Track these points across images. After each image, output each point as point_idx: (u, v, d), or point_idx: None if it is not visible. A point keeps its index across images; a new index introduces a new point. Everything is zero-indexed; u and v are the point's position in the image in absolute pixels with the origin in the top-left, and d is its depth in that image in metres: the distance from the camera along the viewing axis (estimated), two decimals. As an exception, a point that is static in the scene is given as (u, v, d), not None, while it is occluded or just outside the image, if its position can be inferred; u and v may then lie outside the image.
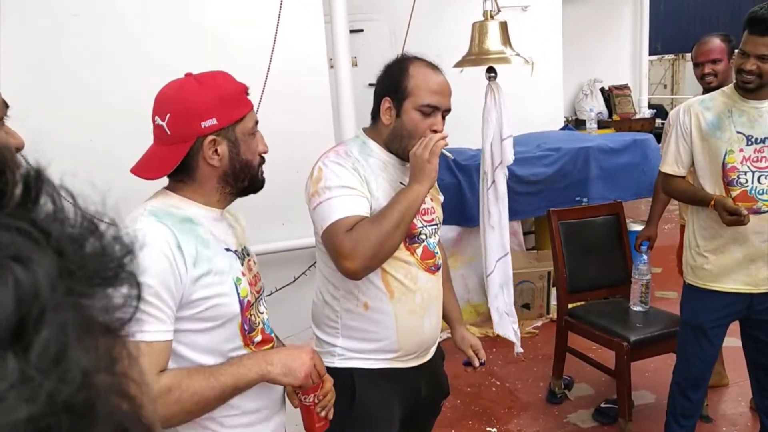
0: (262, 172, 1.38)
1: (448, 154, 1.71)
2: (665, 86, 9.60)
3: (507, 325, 2.74)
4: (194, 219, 1.27)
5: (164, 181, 1.34)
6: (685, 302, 2.49)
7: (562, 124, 5.15)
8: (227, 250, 1.32)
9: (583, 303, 3.33)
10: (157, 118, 1.26)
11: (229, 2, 2.34)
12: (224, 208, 1.37)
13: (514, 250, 4.26)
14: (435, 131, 1.65)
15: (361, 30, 4.30)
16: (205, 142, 1.25)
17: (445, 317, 1.97)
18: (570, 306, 3.24)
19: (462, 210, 3.91)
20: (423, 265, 1.73)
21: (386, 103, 1.68)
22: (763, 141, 2.20)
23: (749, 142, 2.21)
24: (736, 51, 2.22)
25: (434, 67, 1.70)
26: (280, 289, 2.41)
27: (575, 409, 3.18)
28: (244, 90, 1.32)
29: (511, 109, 2.72)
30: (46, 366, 0.27)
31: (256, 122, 1.35)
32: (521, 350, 2.79)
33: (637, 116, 6.51)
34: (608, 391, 3.22)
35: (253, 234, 2.04)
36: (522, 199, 3.98)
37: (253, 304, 1.35)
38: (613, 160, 4.29)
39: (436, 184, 1.89)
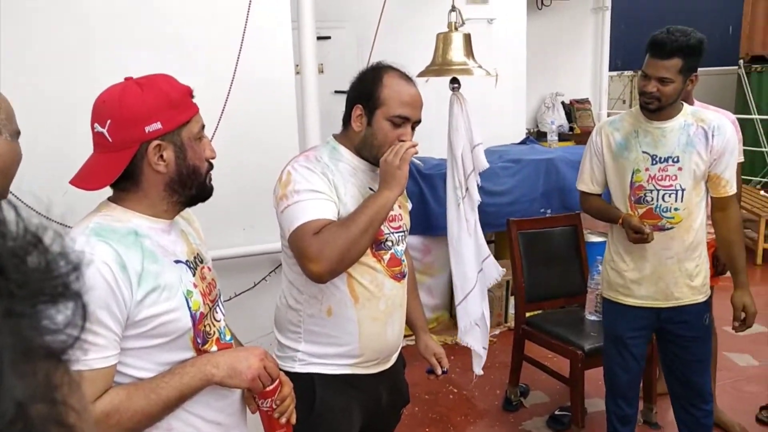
0: (210, 179, 1.33)
1: (418, 162, 1.73)
2: (624, 101, 9.83)
3: (477, 336, 2.75)
4: (139, 231, 1.21)
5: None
6: (604, 314, 2.59)
7: (524, 136, 5.24)
8: (177, 262, 1.26)
9: (540, 312, 3.39)
10: (96, 125, 1.20)
11: (196, 5, 2.33)
12: (172, 219, 1.31)
13: (474, 259, 4.32)
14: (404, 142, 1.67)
15: (329, 37, 4.32)
16: (150, 147, 1.20)
17: (410, 324, 1.98)
18: (528, 315, 3.30)
19: (426, 219, 3.93)
20: (389, 272, 1.75)
21: (358, 110, 1.69)
22: (666, 160, 2.29)
23: (654, 161, 2.30)
24: (640, 73, 2.30)
25: (408, 78, 1.72)
26: (239, 294, 2.40)
27: (530, 417, 3.23)
28: (188, 92, 1.27)
29: (475, 121, 2.75)
30: None
31: (203, 127, 1.30)
32: (481, 372, 2.78)
33: (597, 130, 6.65)
34: (563, 398, 3.29)
35: (213, 239, 2.03)
36: (488, 210, 4.02)
37: (207, 315, 1.30)
38: (573, 173, 4.37)
39: (405, 193, 1.92)
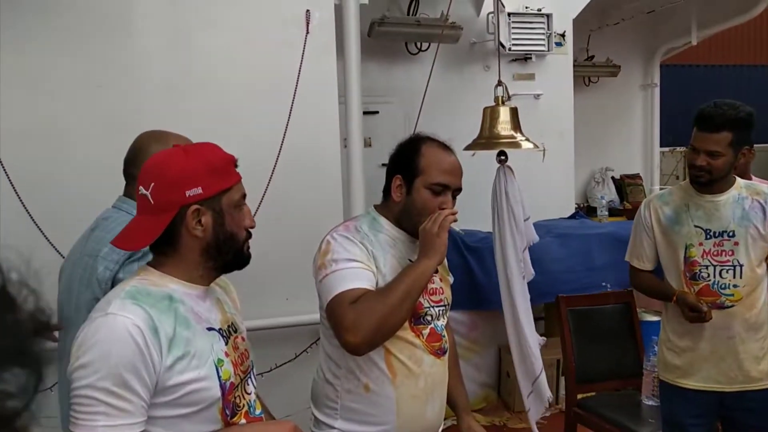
0: (248, 247, 1.33)
1: (458, 231, 1.70)
2: (677, 177, 9.68)
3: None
4: (174, 296, 1.21)
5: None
6: (661, 400, 2.44)
7: (572, 211, 5.15)
8: (210, 329, 1.25)
9: (593, 394, 3.23)
10: (141, 188, 1.23)
11: (246, 78, 2.41)
12: (208, 285, 1.31)
13: (523, 336, 4.18)
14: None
15: (377, 112, 4.41)
16: (189, 211, 1.21)
17: (452, 404, 1.89)
18: (579, 396, 3.14)
19: (474, 293, 3.84)
20: (429, 348, 1.68)
21: (397, 180, 1.69)
22: (721, 234, 2.20)
23: (708, 236, 2.22)
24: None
25: (446, 148, 1.72)
26: (281, 365, 2.36)
27: (584, 508, 3.02)
28: (232, 161, 1.29)
29: (523, 194, 2.75)
30: None
31: (244, 195, 1.31)
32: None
33: (649, 205, 6.50)
34: (619, 490, 3.06)
35: (256, 308, 2.01)
36: (538, 282, 3.91)
37: (237, 386, 1.28)
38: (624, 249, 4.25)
39: (446, 266, 1.88)
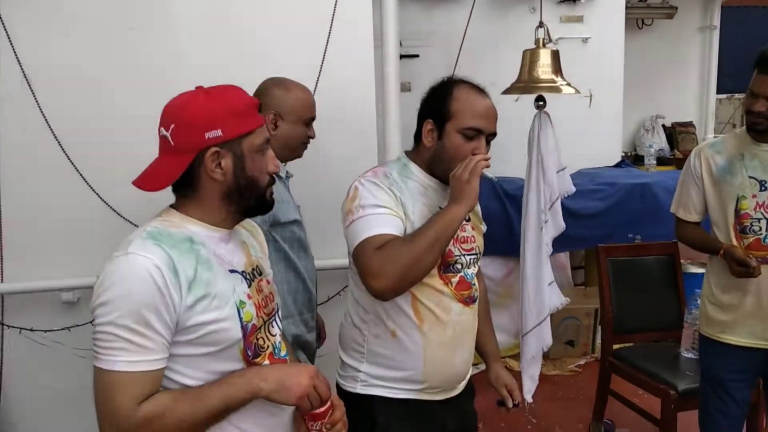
0: (272, 193, 1.33)
1: (491, 177, 1.66)
2: (734, 125, 9.28)
3: (538, 365, 2.71)
4: (194, 238, 1.22)
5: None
6: (701, 353, 2.40)
7: (619, 159, 5.01)
8: (232, 271, 1.26)
9: (630, 345, 3.20)
10: (162, 128, 1.23)
11: (279, 21, 2.38)
12: (231, 228, 1.32)
13: (562, 286, 4.14)
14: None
15: (417, 55, 4.31)
16: (208, 154, 1.20)
17: (481, 352, 1.91)
18: (616, 347, 3.11)
19: (511, 239, 3.80)
20: (458, 296, 1.67)
21: (428, 125, 1.65)
22: None
23: (762, 188, 2.12)
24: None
25: (480, 90, 1.66)
26: (314, 308, 2.39)
27: (616, 456, 3.03)
28: (254, 104, 1.27)
29: (568, 141, 2.66)
30: None
31: (267, 140, 1.29)
32: (530, 400, 2.74)
33: (701, 154, 6.27)
34: (652, 440, 3.06)
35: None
36: (572, 232, 3.86)
37: (260, 328, 1.29)
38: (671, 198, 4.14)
39: (479, 214, 1.85)
